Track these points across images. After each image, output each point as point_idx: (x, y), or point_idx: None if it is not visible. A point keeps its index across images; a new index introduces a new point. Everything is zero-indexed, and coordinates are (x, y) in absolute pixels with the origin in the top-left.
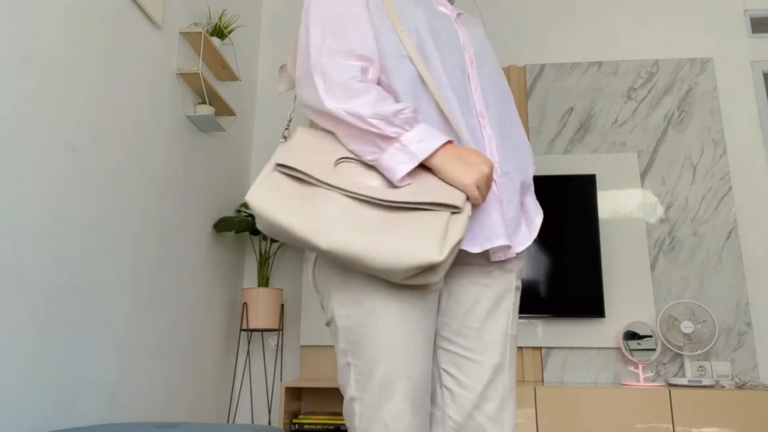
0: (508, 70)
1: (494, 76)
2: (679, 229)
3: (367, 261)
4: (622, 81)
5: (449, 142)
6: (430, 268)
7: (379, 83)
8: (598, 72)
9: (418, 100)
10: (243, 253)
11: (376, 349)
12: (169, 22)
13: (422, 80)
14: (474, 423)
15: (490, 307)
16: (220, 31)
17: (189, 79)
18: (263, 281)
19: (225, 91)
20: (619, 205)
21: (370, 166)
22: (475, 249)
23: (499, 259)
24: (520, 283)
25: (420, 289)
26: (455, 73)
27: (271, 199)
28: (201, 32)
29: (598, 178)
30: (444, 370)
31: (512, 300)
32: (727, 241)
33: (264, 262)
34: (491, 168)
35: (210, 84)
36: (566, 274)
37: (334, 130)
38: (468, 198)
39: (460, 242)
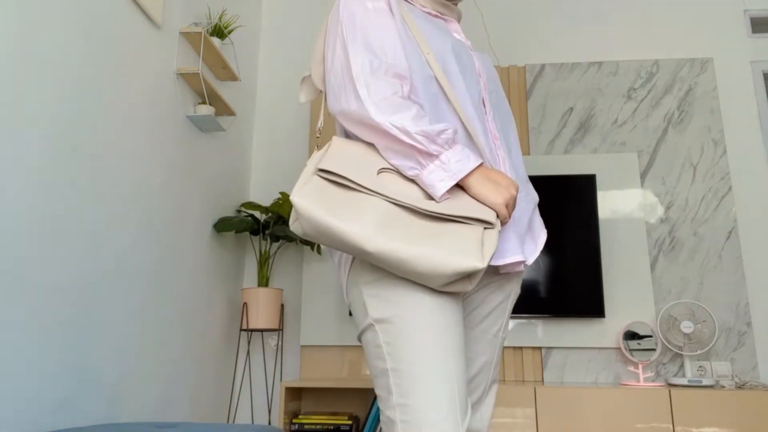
0: (507, 70)
1: (501, 103)
2: (679, 229)
3: (411, 265)
4: (622, 81)
5: (482, 164)
6: (468, 276)
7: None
8: (598, 72)
9: (441, 121)
10: (243, 253)
11: (415, 348)
12: (169, 22)
13: (447, 100)
14: None
15: (490, 310)
16: (220, 31)
17: (189, 79)
18: (263, 281)
19: (225, 91)
20: (619, 205)
21: (409, 178)
22: (496, 262)
23: (510, 271)
24: (519, 288)
25: (453, 295)
26: (475, 97)
27: (317, 202)
28: (201, 32)
29: (598, 178)
30: None
31: (509, 306)
32: (727, 241)
33: (264, 262)
34: (517, 190)
35: (210, 84)
36: (566, 274)
37: (374, 141)
38: (498, 215)
39: (493, 254)
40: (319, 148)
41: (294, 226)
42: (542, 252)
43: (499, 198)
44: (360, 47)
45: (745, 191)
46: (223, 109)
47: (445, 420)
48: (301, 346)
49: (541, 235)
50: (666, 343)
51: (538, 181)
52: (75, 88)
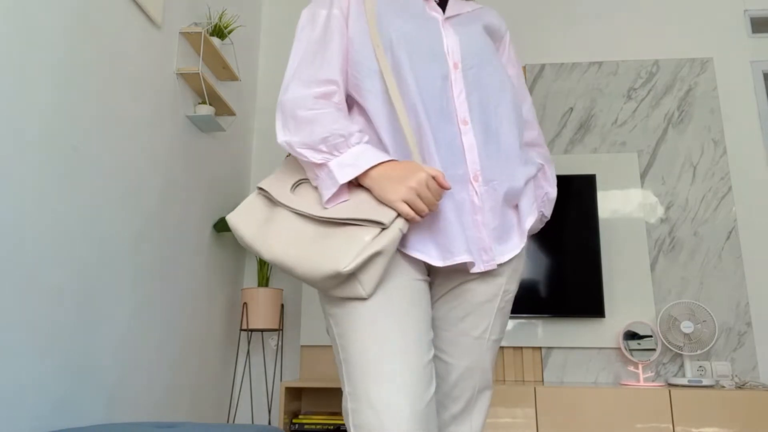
0: None
1: (485, 78)
2: (679, 229)
3: (293, 269)
4: (622, 81)
5: (387, 162)
6: (355, 281)
7: (351, 103)
8: (598, 72)
9: (391, 116)
10: (243, 253)
11: (362, 339)
12: (169, 22)
13: (389, 96)
14: (439, 420)
15: (470, 310)
16: (220, 31)
17: (189, 79)
18: (263, 281)
19: (225, 91)
20: (619, 205)
21: None
22: (438, 263)
23: (479, 271)
24: (513, 287)
25: (403, 280)
26: (433, 83)
27: (242, 216)
28: (201, 32)
29: (598, 178)
30: None
31: (497, 304)
32: (727, 241)
33: (264, 262)
34: (423, 179)
35: (210, 84)
36: (566, 274)
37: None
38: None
39: (377, 254)
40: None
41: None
42: (542, 252)
43: (394, 195)
44: (291, 68)
45: (745, 191)
46: (223, 109)
47: (389, 406)
48: (301, 346)
49: (525, 223)
50: (666, 343)
51: None
52: (75, 88)
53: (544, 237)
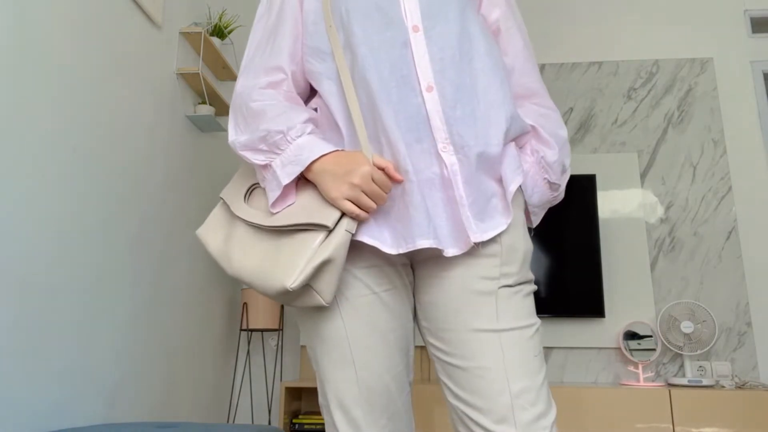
0: None
1: (451, 33)
2: (679, 229)
3: (252, 285)
4: (622, 81)
5: (331, 153)
6: (311, 290)
7: (307, 90)
8: (598, 72)
9: (345, 100)
10: None
11: (323, 355)
12: (169, 22)
13: (339, 80)
14: None
15: (462, 303)
16: (220, 31)
17: (189, 79)
18: None
19: (225, 91)
20: (619, 205)
21: None
22: (391, 250)
23: (453, 255)
24: (514, 267)
25: (372, 290)
26: (390, 52)
27: (209, 230)
28: (201, 32)
29: (598, 178)
30: (442, 381)
31: (495, 289)
32: (727, 241)
33: None
34: (367, 173)
35: (210, 84)
36: (566, 274)
37: None
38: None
39: (326, 263)
40: None
41: None
42: (542, 252)
43: (335, 192)
44: (244, 64)
45: (745, 191)
46: (223, 109)
47: (350, 425)
48: (301, 346)
49: (510, 187)
50: (666, 343)
51: None
52: (75, 88)
53: (544, 237)
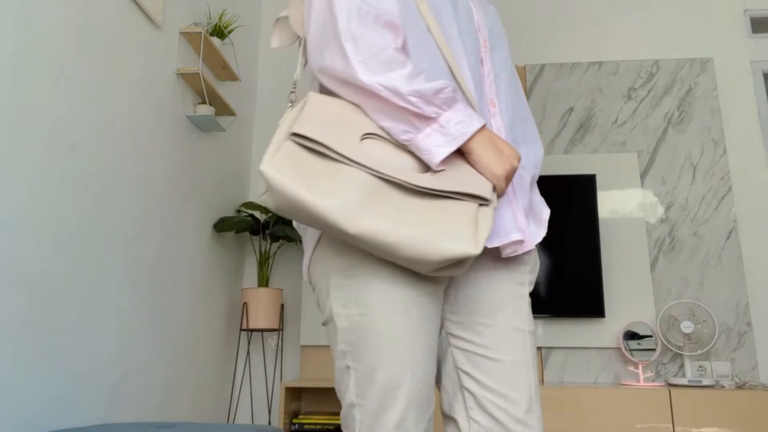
0: None
1: (507, 64)
2: (679, 229)
3: (398, 250)
4: (622, 81)
5: (485, 126)
6: (460, 261)
7: None
8: (598, 72)
9: (435, 79)
10: (243, 253)
11: (379, 352)
12: (169, 22)
13: (443, 57)
14: (501, 427)
15: (504, 301)
16: (220, 31)
17: (189, 79)
18: (263, 281)
19: (225, 91)
20: (619, 205)
21: (400, 145)
22: (489, 244)
23: (512, 254)
24: (533, 278)
25: (428, 289)
26: (472, 57)
27: (291, 173)
28: (201, 32)
29: (598, 178)
30: (462, 371)
31: (526, 293)
32: (727, 241)
33: (264, 262)
34: (519, 161)
35: (210, 84)
36: (566, 274)
37: (361, 103)
38: (494, 189)
39: (488, 236)
40: (292, 104)
41: (264, 198)
42: (542, 252)
43: (500, 169)
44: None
45: (745, 191)
46: (223, 109)
47: (401, 428)
48: (301, 346)
49: (543, 215)
50: (666, 343)
51: (538, 181)
52: (75, 87)
53: (544, 237)
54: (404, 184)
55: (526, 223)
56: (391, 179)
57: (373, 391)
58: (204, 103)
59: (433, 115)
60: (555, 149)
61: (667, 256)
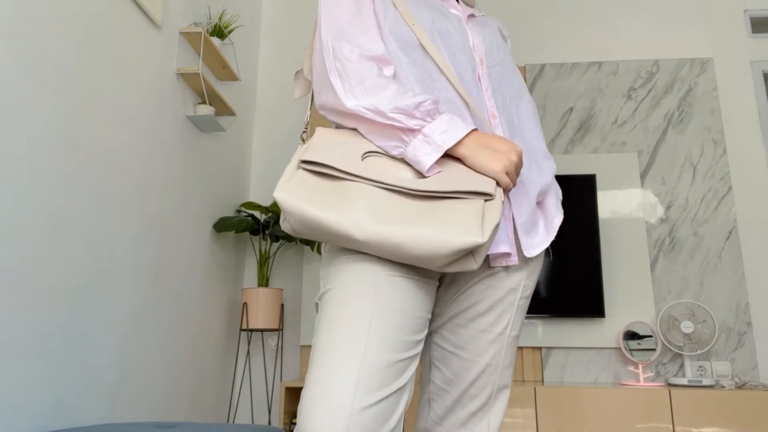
0: None
1: (506, 77)
2: (679, 229)
3: (408, 249)
4: (622, 81)
5: (474, 130)
6: (470, 254)
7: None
8: (598, 72)
9: (433, 92)
10: (243, 253)
11: (335, 321)
12: (169, 22)
13: (439, 70)
14: (454, 416)
15: (488, 307)
16: (220, 31)
17: (189, 79)
18: (263, 281)
19: (225, 91)
20: (619, 205)
21: (398, 159)
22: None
23: (500, 265)
24: (532, 282)
25: (408, 273)
26: (466, 74)
27: (302, 196)
28: (201, 32)
29: (598, 178)
30: (434, 365)
31: (516, 299)
32: (727, 241)
33: (264, 262)
34: (519, 155)
35: (210, 84)
36: (566, 274)
37: (357, 127)
38: (499, 184)
39: (497, 226)
40: (304, 141)
41: (284, 225)
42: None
43: (497, 165)
44: (332, 37)
45: (745, 191)
46: (223, 109)
47: (337, 402)
48: (301, 346)
49: (554, 221)
50: (666, 343)
51: None
52: (75, 87)
53: None
54: (407, 191)
55: (527, 231)
56: (394, 188)
57: (319, 362)
58: (204, 103)
59: (417, 127)
60: (555, 149)
61: (667, 256)
